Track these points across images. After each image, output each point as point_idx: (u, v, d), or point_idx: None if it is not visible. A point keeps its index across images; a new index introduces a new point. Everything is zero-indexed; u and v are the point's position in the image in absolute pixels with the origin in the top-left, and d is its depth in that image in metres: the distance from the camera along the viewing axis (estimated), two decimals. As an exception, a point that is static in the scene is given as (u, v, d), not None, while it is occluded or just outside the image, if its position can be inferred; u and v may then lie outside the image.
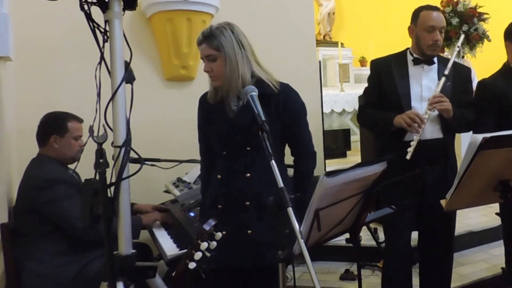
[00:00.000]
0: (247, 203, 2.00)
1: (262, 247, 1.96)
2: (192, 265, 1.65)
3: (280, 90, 2.04)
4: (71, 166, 2.50)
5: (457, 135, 2.80)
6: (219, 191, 2.08)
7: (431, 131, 2.50)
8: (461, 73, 2.62)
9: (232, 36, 2.00)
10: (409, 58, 2.60)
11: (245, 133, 2.00)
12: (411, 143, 2.39)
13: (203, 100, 2.16)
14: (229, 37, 2.00)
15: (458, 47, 2.71)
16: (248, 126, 1.98)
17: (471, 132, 2.65)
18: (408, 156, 2.37)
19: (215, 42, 1.99)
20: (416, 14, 2.57)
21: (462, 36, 2.89)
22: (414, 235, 2.66)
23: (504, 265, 2.67)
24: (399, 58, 2.62)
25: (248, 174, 2.02)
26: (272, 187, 1.93)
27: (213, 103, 2.09)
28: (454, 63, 2.65)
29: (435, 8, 2.58)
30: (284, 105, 2.04)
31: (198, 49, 2.07)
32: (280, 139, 2.06)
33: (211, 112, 2.10)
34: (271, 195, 1.91)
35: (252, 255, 1.98)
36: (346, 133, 6.64)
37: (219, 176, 2.08)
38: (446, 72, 2.48)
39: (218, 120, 2.07)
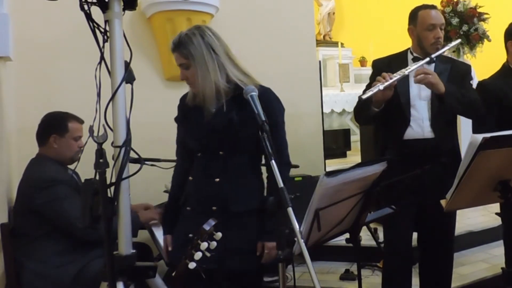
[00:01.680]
0: (214, 208, 1.97)
1: (229, 252, 1.92)
2: (192, 265, 1.65)
3: (258, 95, 1.96)
4: (71, 166, 2.50)
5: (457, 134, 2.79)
6: (190, 193, 2.06)
7: (423, 132, 2.50)
8: (460, 69, 2.62)
9: (201, 42, 1.94)
10: (409, 57, 2.61)
11: (218, 137, 1.98)
12: (372, 89, 2.32)
13: (183, 101, 2.13)
14: (198, 44, 1.94)
15: (449, 45, 2.70)
16: (222, 129, 1.97)
17: (471, 132, 2.65)
18: (363, 96, 2.31)
19: (185, 50, 1.94)
20: (414, 14, 2.57)
21: (458, 41, 2.87)
22: (414, 235, 2.66)
23: (504, 265, 2.68)
24: (399, 58, 2.63)
25: (218, 179, 1.98)
26: (242, 194, 1.97)
27: (192, 105, 2.06)
28: (454, 60, 2.66)
29: (432, 7, 2.58)
30: (263, 110, 1.96)
31: None
32: (255, 145, 1.99)
33: (189, 114, 2.07)
34: (239, 201, 1.96)
35: (217, 259, 1.89)
36: (346, 133, 6.64)
37: (190, 178, 2.06)
38: (433, 55, 2.47)
39: (194, 122, 2.04)
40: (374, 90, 2.31)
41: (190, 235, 1.96)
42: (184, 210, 2.07)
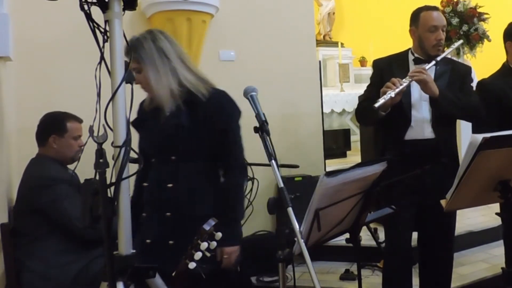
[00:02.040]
0: (168, 214, 1.96)
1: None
2: (192, 265, 1.65)
3: (208, 99, 1.95)
4: (71, 166, 2.50)
5: (457, 135, 2.79)
6: (145, 199, 2.05)
7: (423, 132, 2.50)
8: (460, 71, 2.62)
9: (152, 47, 1.93)
10: (410, 57, 2.60)
11: (170, 141, 1.97)
12: (384, 96, 2.33)
13: (141, 106, 2.12)
14: (149, 48, 1.93)
15: (453, 46, 2.70)
16: (173, 134, 1.95)
17: (471, 132, 2.65)
18: (376, 105, 2.32)
19: (135, 55, 1.93)
20: (416, 16, 2.56)
21: (460, 42, 2.89)
22: (414, 235, 2.66)
23: (504, 265, 2.67)
24: (400, 58, 2.63)
25: (170, 185, 1.96)
26: (196, 199, 1.94)
27: (149, 109, 2.05)
28: (454, 61, 2.66)
29: (434, 8, 2.58)
30: (213, 113, 1.96)
31: None
32: (209, 149, 1.99)
33: (145, 118, 2.06)
34: (193, 207, 1.94)
35: (173, 262, 1.87)
36: (346, 133, 6.64)
37: (145, 184, 2.05)
38: (438, 58, 2.48)
39: (149, 126, 2.03)
40: (386, 98, 2.33)
41: (148, 241, 1.96)
42: (141, 217, 2.05)
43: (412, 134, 2.51)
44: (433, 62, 2.47)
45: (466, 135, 4.08)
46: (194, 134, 1.95)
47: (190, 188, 1.97)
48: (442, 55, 2.50)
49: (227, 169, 2.03)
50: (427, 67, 2.45)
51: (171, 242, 1.93)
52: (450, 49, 2.59)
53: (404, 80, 2.39)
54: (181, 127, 1.94)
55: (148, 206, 2.04)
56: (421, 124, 2.51)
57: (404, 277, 2.60)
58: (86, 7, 1.32)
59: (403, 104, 2.50)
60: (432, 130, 2.50)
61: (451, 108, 2.45)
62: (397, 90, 2.34)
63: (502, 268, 2.55)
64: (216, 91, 2.00)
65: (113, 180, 1.33)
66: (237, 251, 1.99)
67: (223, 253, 1.97)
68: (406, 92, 2.50)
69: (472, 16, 5.46)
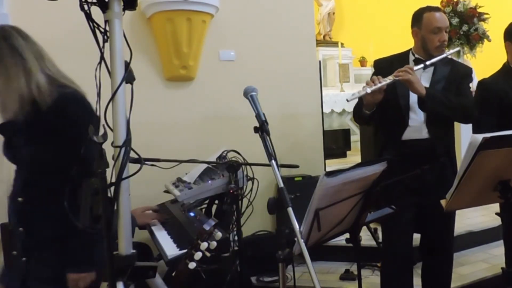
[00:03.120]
0: (21, 229, 1.78)
1: (32, 280, 1.78)
2: (192, 265, 1.65)
3: (50, 106, 1.72)
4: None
5: (456, 135, 2.79)
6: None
7: (421, 133, 2.50)
8: (459, 71, 2.61)
9: (4, 45, 1.73)
10: (411, 58, 2.60)
11: (6, 149, 1.82)
12: (359, 91, 2.36)
13: None
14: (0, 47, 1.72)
15: (447, 53, 2.68)
16: (8, 140, 1.80)
17: (471, 132, 2.65)
18: (348, 98, 2.35)
19: None
20: (418, 16, 2.54)
21: (456, 49, 2.88)
22: (414, 235, 2.66)
23: (504, 265, 2.67)
24: (401, 59, 2.62)
25: (20, 199, 1.79)
26: (46, 217, 1.74)
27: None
28: (455, 62, 2.65)
29: (436, 9, 2.56)
30: (56, 121, 1.74)
31: None
32: (57, 162, 1.74)
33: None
34: (42, 226, 1.76)
35: (27, 279, 1.78)
36: (346, 133, 6.65)
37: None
38: (428, 62, 2.47)
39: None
40: (361, 93, 2.34)
41: (14, 252, 1.81)
42: None
43: (409, 134, 2.51)
44: (421, 65, 2.46)
45: (466, 135, 4.08)
46: (37, 147, 1.74)
47: (41, 204, 1.76)
48: (432, 60, 2.47)
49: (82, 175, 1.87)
50: (415, 69, 2.43)
51: (23, 259, 1.79)
52: (443, 55, 2.54)
53: (386, 78, 2.38)
54: (17, 139, 1.76)
55: (9, 220, 1.87)
56: (419, 126, 2.50)
57: (404, 278, 2.59)
58: (86, 7, 1.32)
59: (401, 106, 2.50)
60: (427, 131, 2.50)
61: (438, 107, 2.42)
62: (374, 87, 2.33)
63: (502, 268, 2.56)
64: (61, 95, 1.77)
65: (113, 180, 1.33)
66: (88, 277, 1.77)
67: (68, 279, 1.76)
68: (404, 94, 2.50)
69: (472, 16, 5.46)
